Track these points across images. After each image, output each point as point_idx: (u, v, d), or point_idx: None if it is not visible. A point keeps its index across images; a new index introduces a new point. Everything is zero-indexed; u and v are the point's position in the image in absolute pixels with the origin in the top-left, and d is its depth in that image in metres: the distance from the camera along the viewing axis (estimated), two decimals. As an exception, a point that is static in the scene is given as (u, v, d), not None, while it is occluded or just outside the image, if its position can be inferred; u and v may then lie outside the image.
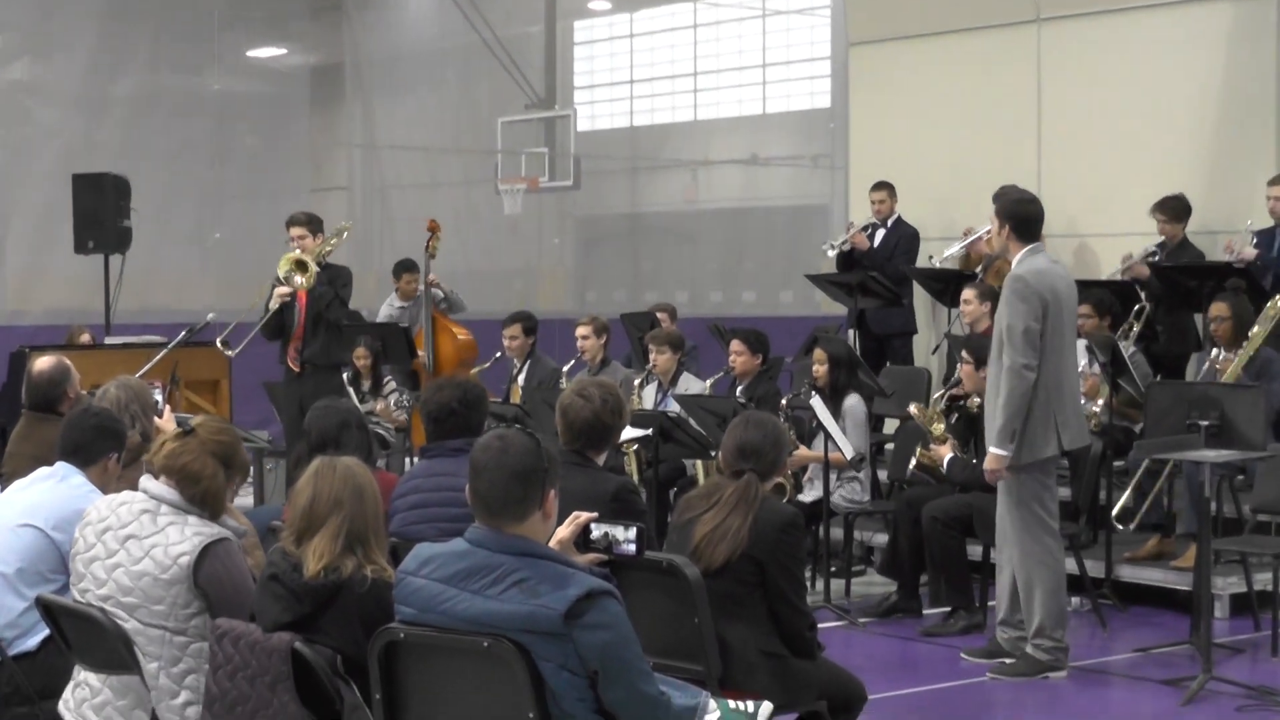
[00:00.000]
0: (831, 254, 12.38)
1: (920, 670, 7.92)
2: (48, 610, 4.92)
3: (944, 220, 12.13)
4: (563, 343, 12.64)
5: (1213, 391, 8.05)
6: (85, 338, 12.17)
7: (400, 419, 11.36)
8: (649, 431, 8.47)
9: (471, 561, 3.99)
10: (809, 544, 8.93)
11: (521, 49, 21.11)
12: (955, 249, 11.67)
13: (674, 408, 9.31)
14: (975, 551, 8.58)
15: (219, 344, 10.58)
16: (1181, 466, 8.47)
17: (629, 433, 7.89)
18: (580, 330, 10.94)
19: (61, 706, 4.84)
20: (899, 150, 12.55)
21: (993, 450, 7.41)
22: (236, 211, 18.73)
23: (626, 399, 6.23)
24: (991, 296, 9.29)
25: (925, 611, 8.78)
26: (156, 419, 6.55)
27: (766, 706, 4.66)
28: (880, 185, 12.23)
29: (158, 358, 10.70)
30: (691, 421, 8.73)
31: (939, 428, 8.66)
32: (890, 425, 11.15)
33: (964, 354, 8.66)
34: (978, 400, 8.35)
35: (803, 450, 9.16)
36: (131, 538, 4.68)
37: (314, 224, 10.21)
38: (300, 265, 9.99)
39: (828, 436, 8.79)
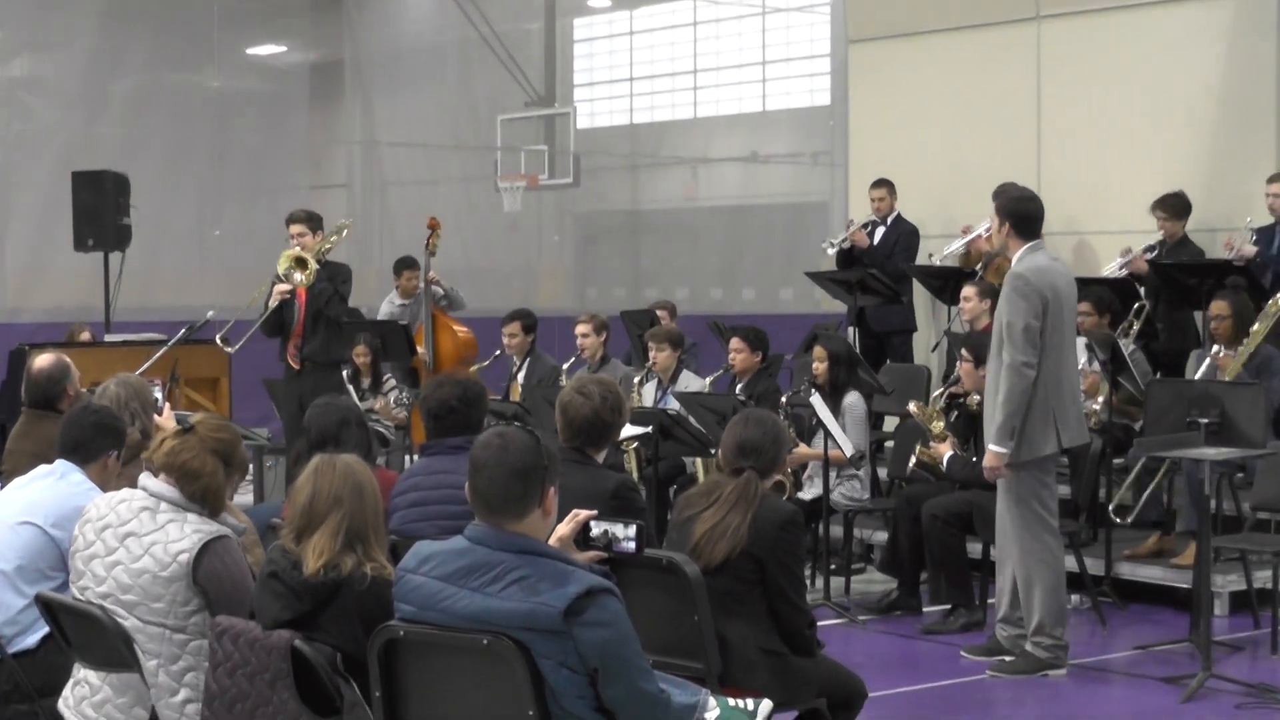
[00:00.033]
0: (831, 252, 12.38)
1: (920, 668, 7.92)
2: (47, 608, 4.92)
3: (944, 218, 12.13)
4: (562, 340, 12.64)
5: (1213, 389, 8.05)
6: (85, 336, 12.17)
7: (400, 416, 11.36)
8: (649, 429, 8.46)
9: (471, 559, 3.98)
10: (809, 541, 8.93)
11: (521, 46, 21.10)
12: (955, 246, 11.68)
13: (674, 405, 9.31)
14: (975, 549, 8.58)
15: (218, 340, 10.57)
16: (1180, 464, 8.47)
17: (629, 430, 7.89)
18: (580, 328, 10.94)
19: (61, 704, 4.84)
20: (899, 148, 12.54)
21: (992, 448, 7.41)
22: (236, 209, 18.72)
23: (626, 396, 6.23)
24: (991, 294, 9.28)
25: (925, 609, 8.78)
26: (156, 416, 6.55)
27: (766, 704, 4.66)
28: (880, 183, 12.23)
29: (157, 355, 10.71)
30: (691, 419, 8.73)
31: (938, 426, 8.66)
32: (890, 423, 11.16)
33: (963, 352, 8.66)
34: (977, 398, 8.35)
35: (802, 448, 9.16)
36: (131, 535, 4.68)
37: (314, 221, 10.21)
38: (300, 262, 9.99)
39: (827, 434, 8.79)
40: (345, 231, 10.65)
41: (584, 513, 4.51)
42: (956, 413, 8.77)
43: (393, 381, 11.61)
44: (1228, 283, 9.51)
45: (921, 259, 12.00)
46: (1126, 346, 9.15)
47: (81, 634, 4.78)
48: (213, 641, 4.45)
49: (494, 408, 8.43)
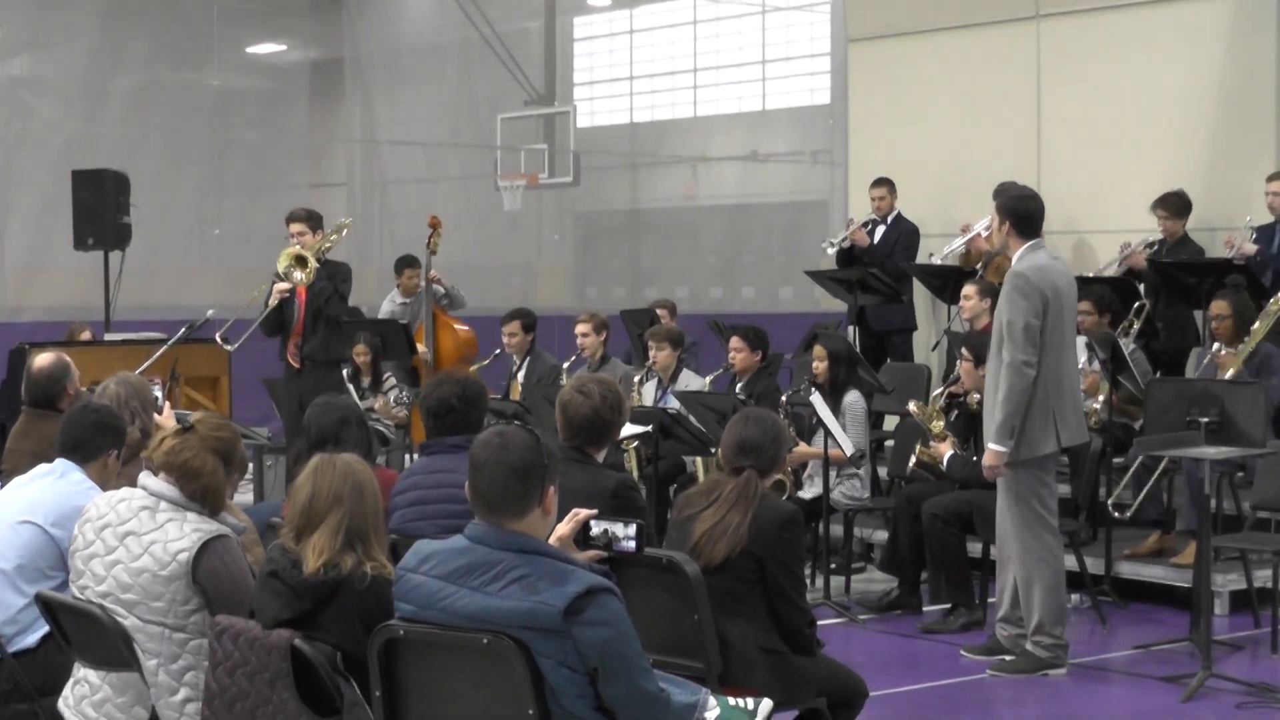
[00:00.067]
0: (831, 252, 12.38)
1: (920, 667, 7.91)
2: (47, 607, 4.92)
3: (944, 216, 12.13)
4: (562, 339, 12.64)
5: (1213, 388, 8.05)
6: (85, 335, 12.17)
7: (400, 415, 11.35)
8: (649, 428, 8.46)
9: (471, 558, 3.98)
10: (809, 541, 8.93)
11: (521, 45, 21.11)
12: (955, 245, 11.67)
13: (674, 404, 9.31)
14: (975, 548, 8.58)
15: (218, 339, 10.58)
16: (1180, 463, 8.47)
17: (629, 429, 7.88)
18: (580, 327, 10.93)
19: (61, 704, 4.84)
20: (899, 146, 12.54)
21: (991, 446, 7.41)
22: (236, 207, 18.73)
23: (626, 396, 6.23)
24: (992, 293, 9.28)
25: (925, 608, 8.78)
26: (156, 415, 6.54)
27: (766, 703, 4.66)
28: (880, 181, 12.22)
29: (157, 354, 10.71)
30: (691, 418, 8.73)
31: (938, 425, 8.65)
32: (890, 422, 11.16)
33: (964, 351, 8.66)
34: (977, 397, 8.34)
35: (802, 447, 9.16)
36: (130, 534, 4.68)
37: (313, 220, 10.21)
38: (300, 260, 9.99)
39: (827, 433, 8.79)
40: (345, 230, 10.64)
41: (584, 512, 4.51)
42: (956, 412, 8.77)
43: (393, 380, 11.60)
44: (1228, 282, 9.51)
45: (922, 258, 12.00)
46: (1127, 345, 9.15)
47: (81, 633, 4.78)
48: (212, 641, 4.45)
49: (494, 407, 8.43)
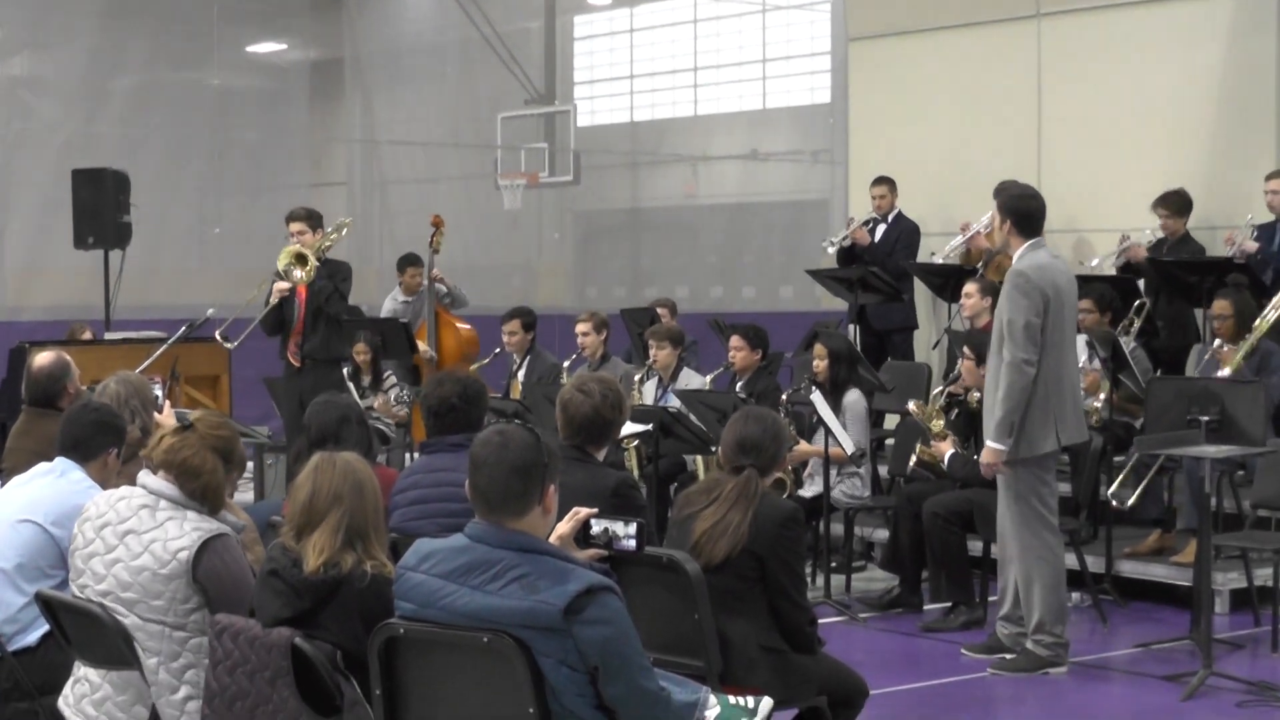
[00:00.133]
0: (831, 250, 12.37)
1: (921, 666, 7.91)
2: (47, 606, 4.91)
3: (944, 215, 12.12)
4: (563, 338, 12.64)
5: (1213, 387, 8.05)
6: (86, 335, 12.18)
7: (400, 414, 11.35)
8: (649, 427, 8.46)
9: (471, 557, 3.98)
10: (809, 539, 8.93)
11: (521, 44, 21.11)
12: (955, 243, 11.67)
13: (674, 403, 9.31)
14: (976, 547, 8.58)
15: (218, 336, 10.58)
16: (1180, 461, 8.46)
17: (629, 428, 7.88)
18: (580, 326, 10.93)
19: (61, 702, 4.84)
20: (899, 145, 12.54)
21: (989, 444, 7.41)
22: (236, 207, 18.73)
23: (627, 394, 6.23)
24: (993, 292, 9.28)
25: (926, 607, 8.78)
26: (156, 414, 6.54)
27: (766, 702, 4.67)
28: (881, 180, 12.22)
29: (158, 353, 10.71)
30: (692, 417, 8.73)
31: (939, 424, 8.65)
32: (891, 420, 11.15)
33: (965, 349, 8.66)
34: (977, 396, 8.34)
35: (803, 445, 9.16)
36: (130, 533, 4.68)
37: (313, 219, 10.21)
38: (300, 259, 9.99)
39: (828, 432, 8.79)
40: (345, 229, 10.64)
41: (584, 510, 4.50)
42: (957, 411, 8.77)
43: (393, 379, 11.60)
44: (1229, 280, 9.51)
45: (923, 257, 11.99)
46: (1127, 344, 9.15)
47: (81, 632, 4.77)
48: (212, 639, 4.45)
49: (494, 405, 8.43)
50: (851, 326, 11.69)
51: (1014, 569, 7.56)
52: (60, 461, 5.53)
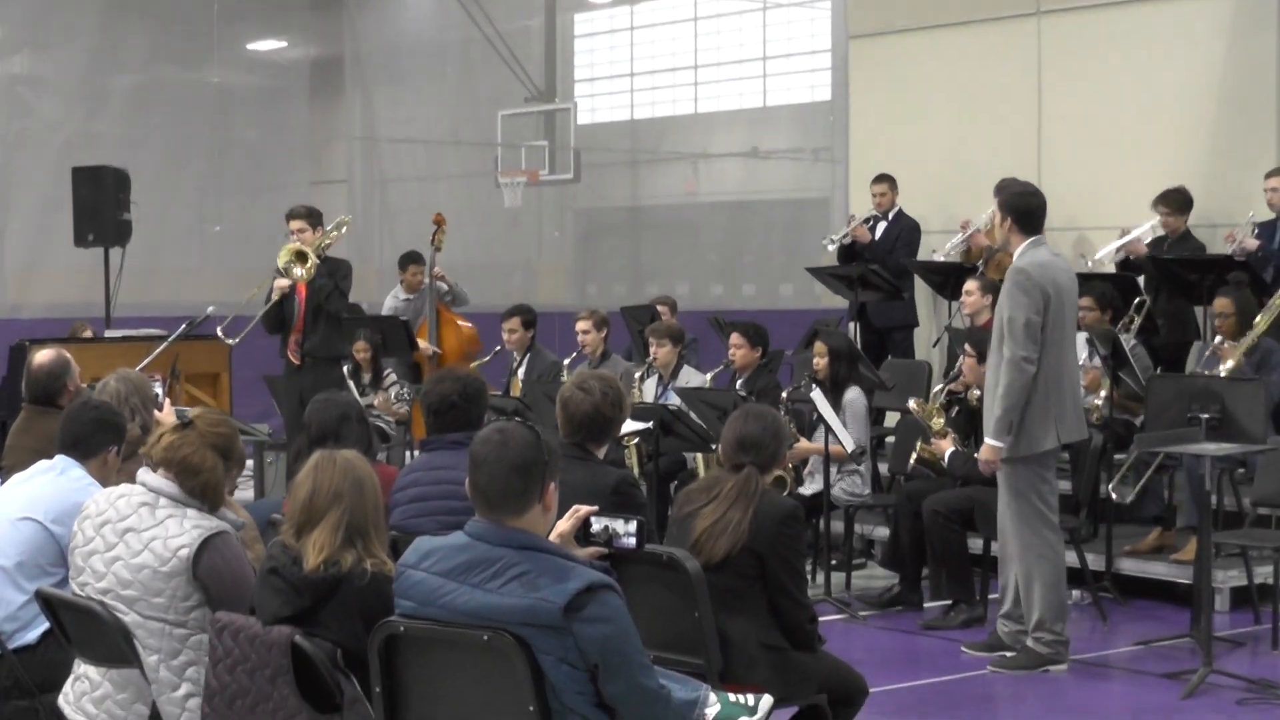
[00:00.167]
0: (832, 248, 12.37)
1: (921, 664, 7.92)
2: (47, 604, 4.91)
3: (945, 213, 12.12)
4: (563, 336, 12.63)
5: (1213, 385, 8.06)
6: (87, 334, 12.18)
7: (400, 412, 11.35)
8: (649, 425, 8.46)
9: (471, 555, 3.98)
10: (809, 537, 8.93)
11: (521, 42, 21.10)
12: (956, 241, 11.67)
13: (674, 401, 9.31)
14: (976, 545, 8.58)
15: (219, 333, 10.59)
16: (1180, 459, 8.46)
17: (629, 426, 7.88)
18: (580, 324, 10.93)
19: (61, 700, 4.84)
20: (900, 143, 12.54)
21: (988, 441, 7.41)
22: (236, 205, 18.73)
23: (627, 392, 6.23)
24: (993, 290, 9.28)
25: (926, 605, 8.78)
26: (156, 412, 6.54)
27: (767, 700, 4.67)
28: (881, 178, 12.22)
29: (158, 351, 10.72)
30: (692, 415, 8.73)
31: (939, 422, 8.66)
32: (891, 418, 11.15)
33: (967, 347, 8.66)
34: (977, 393, 8.34)
35: (803, 443, 9.16)
36: (130, 531, 4.68)
37: (313, 217, 10.22)
38: (300, 256, 10.00)
39: (828, 429, 8.79)
40: (345, 227, 10.65)
41: (584, 508, 4.50)
42: (957, 409, 8.77)
43: (393, 377, 11.60)
44: (1230, 278, 9.51)
45: (924, 254, 11.99)
46: (1128, 342, 9.15)
47: (82, 630, 4.77)
48: (213, 637, 4.45)
49: (494, 403, 8.43)
50: (852, 324, 11.69)
51: (1014, 567, 7.56)
52: (60, 459, 5.53)
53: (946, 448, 8.53)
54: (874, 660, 7.61)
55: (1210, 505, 7.53)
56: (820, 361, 9.28)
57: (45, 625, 5.11)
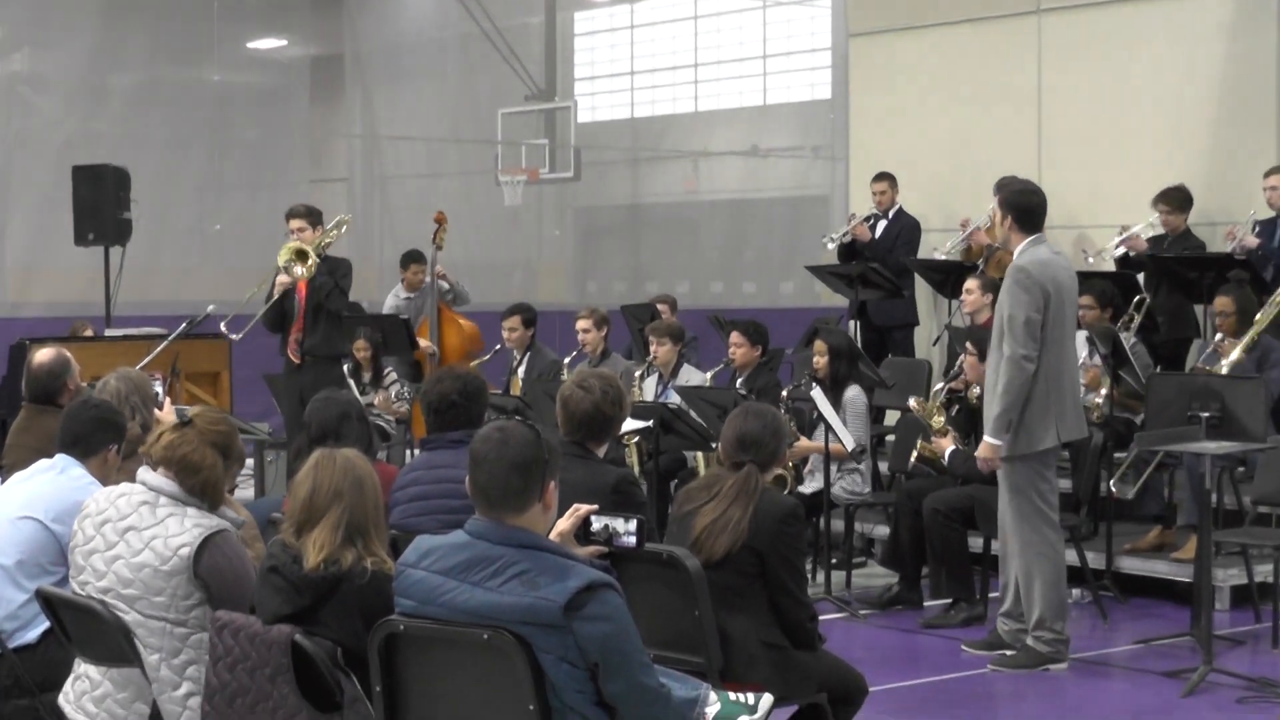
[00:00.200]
0: (832, 247, 12.37)
1: (921, 662, 7.92)
2: (48, 603, 4.91)
3: (945, 212, 12.12)
4: (563, 334, 12.64)
5: (1214, 383, 8.05)
6: (87, 333, 12.18)
7: (401, 411, 11.35)
8: (650, 423, 8.46)
9: (471, 553, 3.98)
10: (810, 535, 8.93)
11: (521, 40, 21.11)
12: (956, 240, 11.66)
13: (674, 399, 9.30)
14: (976, 543, 8.57)
15: (222, 328, 10.60)
16: (1179, 457, 8.46)
17: (630, 424, 7.88)
18: (581, 323, 10.92)
19: (62, 699, 4.83)
20: (900, 141, 12.54)
21: (987, 439, 7.41)
22: (236, 203, 18.74)
23: (627, 390, 6.23)
24: (993, 288, 9.28)
25: (926, 603, 8.78)
26: (157, 411, 6.54)
27: (767, 698, 4.67)
28: (882, 176, 12.22)
29: (158, 349, 10.71)
30: (692, 413, 8.73)
31: (939, 420, 8.65)
32: (891, 417, 11.15)
33: (968, 345, 8.66)
34: (977, 392, 8.34)
35: (803, 441, 9.16)
36: (131, 529, 4.68)
37: (313, 216, 10.23)
38: (300, 254, 10.01)
39: (828, 428, 8.78)
40: (345, 226, 10.65)
41: (585, 507, 4.50)
42: (957, 407, 8.76)
43: (393, 375, 11.60)
44: (1230, 276, 9.51)
45: (924, 252, 11.99)
46: (1128, 340, 9.15)
47: (82, 629, 4.77)
48: (213, 636, 4.45)
49: (494, 402, 8.43)
50: (852, 323, 11.68)
51: (1014, 565, 7.56)
52: (60, 458, 5.53)
53: (947, 446, 8.53)
54: (874, 659, 7.60)
55: (1210, 503, 7.53)
56: (820, 360, 9.27)
57: (45, 624, 5.11)
